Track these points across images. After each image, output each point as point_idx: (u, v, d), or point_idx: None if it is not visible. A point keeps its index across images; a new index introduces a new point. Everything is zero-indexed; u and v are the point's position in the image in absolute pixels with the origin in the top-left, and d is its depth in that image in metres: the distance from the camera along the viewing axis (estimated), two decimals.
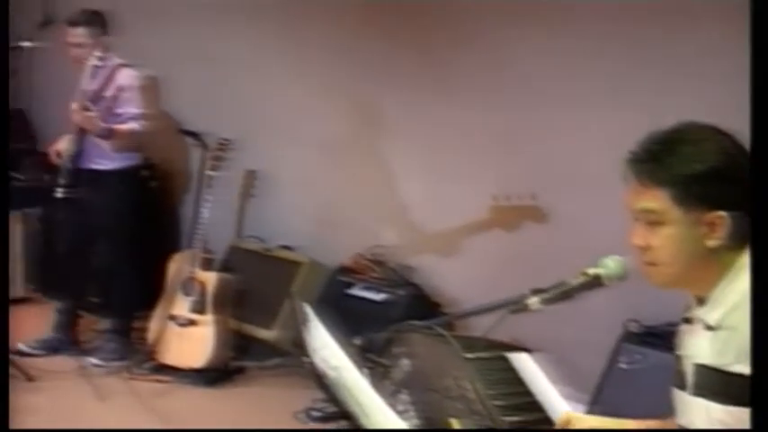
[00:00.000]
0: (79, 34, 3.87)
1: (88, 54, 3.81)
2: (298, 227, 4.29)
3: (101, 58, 3.81)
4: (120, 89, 3.86)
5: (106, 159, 3.90)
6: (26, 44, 4.87)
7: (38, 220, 4.73)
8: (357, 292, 3.81)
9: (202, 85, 4.68)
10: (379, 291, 3.76)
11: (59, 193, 3.76)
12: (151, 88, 4.07)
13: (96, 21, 3.90)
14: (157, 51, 4.75)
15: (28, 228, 4.71)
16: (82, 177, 3.84)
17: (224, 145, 4.02)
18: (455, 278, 3.75)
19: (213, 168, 3.99)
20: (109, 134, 3.78)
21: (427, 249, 3.88)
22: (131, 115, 3.86)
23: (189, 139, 4.54)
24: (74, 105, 3.74)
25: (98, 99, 3.82)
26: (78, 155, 3.85)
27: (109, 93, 3.85)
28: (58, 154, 3.91)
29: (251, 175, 4.43)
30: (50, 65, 5.37)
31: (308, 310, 1.63)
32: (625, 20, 3.25)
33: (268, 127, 4.44)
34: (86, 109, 3.74)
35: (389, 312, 3.60)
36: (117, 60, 3.91)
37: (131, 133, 3.84)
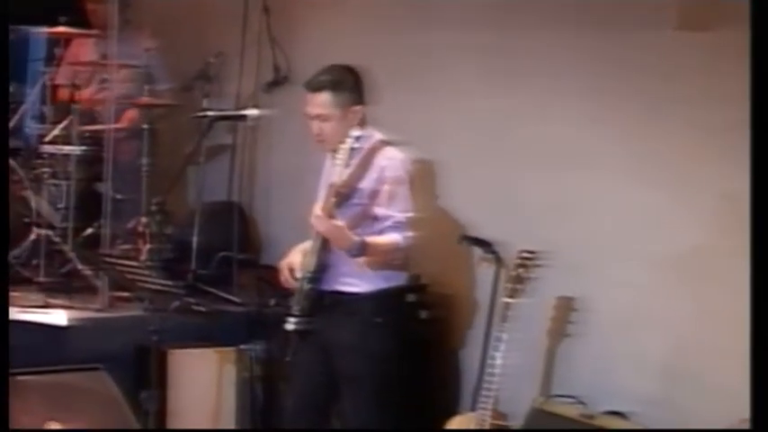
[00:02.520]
0: (323, 103, 4.48)
1: (336, 130, 4.48)
2: (632, 383, 4.81)
3: (356, 138, 4.42)
4: (382, 180, 4.49)
5: (358, 279, 4.51)
6: (251, 112, 6.08)
7: (259, 360, 5.66)
8: None
9: (496, 176, 5.50)
10: None
11: (291, 323, 4.45)
12: (423, 178, 4.87)
13: (347, 83, 4.52)
14: (432, 125, 5.74)
15: (245, 370, 5.64)
16: (324, 303, 4.48)
17: (527, 260, 4.64)
18: None
19: (511, 293, 4.61)
20: (362, 251, 4.37)
21: None
22: (395, 222, 4.45)
23: (476, 251, 5.32)
24: (317, 210, 4.38)
25: (351, 194, 4.44)
26: (320, 271, 4.44)
27: (366, 184, 4.48)
28: (292, 270, 4.57)
29: (565, 305, 5.01)
30: (283, 141, 6.64)
31: None
32: None
33: (591, 236, 5.10)
34: (333, 215, 4.35)
35: None
36: (377, 137, 4.56)
37: (394, 249, 4.46)
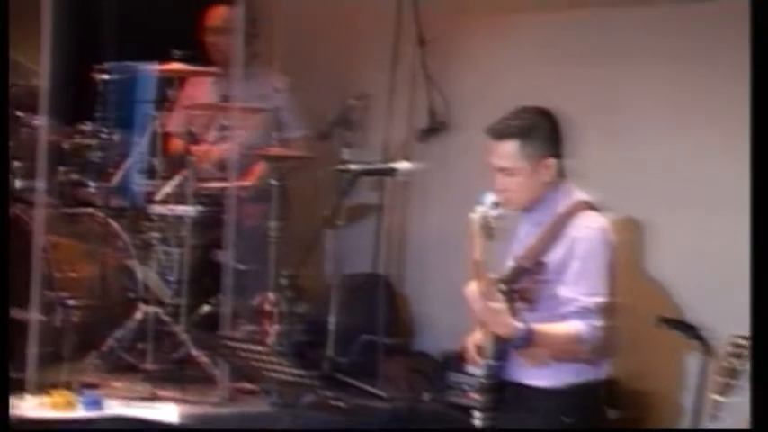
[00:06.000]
0: (509, 153, 4.52)
1: (524, 186, 4.54)
2: None
3: (543, 198, 4.57)
4: (572, 254, 4.48)
5: (543, 371, 4.52)
6: (402, 165, 6.13)
7: None
8: None
9: (701, 238, 5.53)
10: None
11: (477, 418, 4.45)
12: (622, 244, 4.72)
13: (540, 130, 4.56)
14: (618, 174, 5.80)
15: None
16: (506, 396, 4.50)
17: (743, 348, 4.45)
18: None
19: (722, 390, 4.44)
20: (527, 341, 4.37)
21: None
22: (580, 307, 4.42)
23: (678, 335, 5.28)
24: (472, 288, 4.41)
25: (532, 269, 4.47)
26: (501, 358, 4.48)
27: (553, 257, 4.48)
28: (481, 349, 4.54)
29: None
30: (441, 200, 6.73)
31: None
32: None
33: None
34: (491, 294, 4.33)
35: None
36: (576, 196, 4.59)
37: (574, 341, 4.43)
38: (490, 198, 4.37)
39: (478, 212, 4.35)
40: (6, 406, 4.32)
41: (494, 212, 4.35)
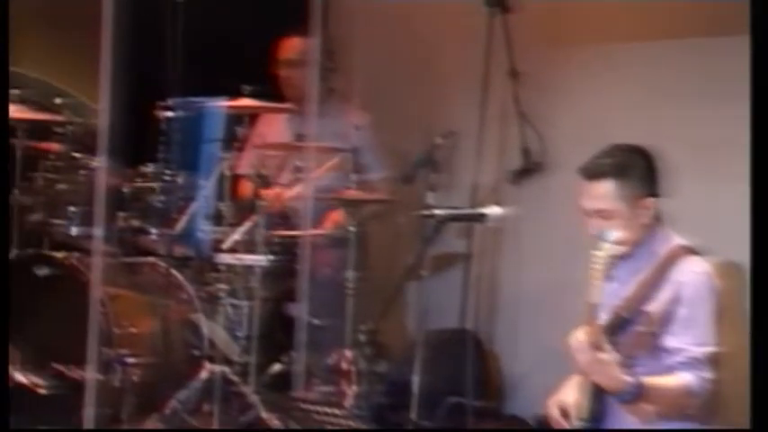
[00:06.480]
0: (605, 194, 4.50)
1: (621, 229, 4.44)
2: None
3: (641, 242, 4.49)
4: (678, 301, 4.40)
5: (644, 428, 4.41)
6: (492, 210, 5.93)
7: None
8: None
9: None
10: None
11: None
12: (726, 292, 4.57)
13: (636, 169, 4.55)
14: (734, 219, 5.50)
15: None
16: None
17: None
18: None
19: None
20: (637, 396, 4.29)
21: None
22: (688, 357, 4.35)
23: None
24: (579, 336, 4.34)
25: (632, 319, 4.41)
26: (598, 419, 4.42)
27: (656, 306, 4.41)
28: (565, 411, 4.53)
29: None
30: (535, 248, 6.58)
31: None
32: None
33: None
34: (601, 345, 4.28)
35: None
36: (674, 240, 4.54)
37: (684, 395, 4.34)
38: (614, 234, 4.33)
39: (604, 250, 4.33)
40: (7, 406, 4.37)
41: (618, 250, 4.34)
